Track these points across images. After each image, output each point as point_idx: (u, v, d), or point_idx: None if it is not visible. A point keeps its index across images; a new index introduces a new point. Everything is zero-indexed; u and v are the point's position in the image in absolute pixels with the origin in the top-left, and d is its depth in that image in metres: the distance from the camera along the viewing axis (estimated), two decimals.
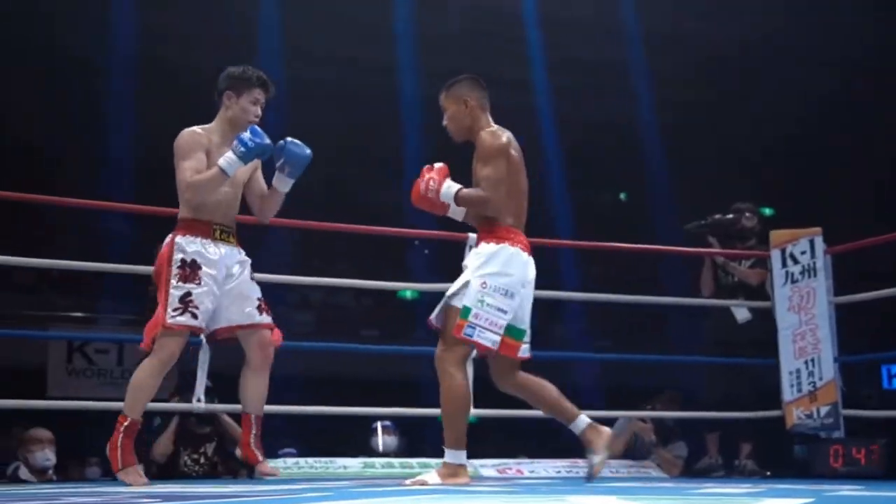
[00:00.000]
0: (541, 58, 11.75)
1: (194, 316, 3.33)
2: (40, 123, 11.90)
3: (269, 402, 3.80)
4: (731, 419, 5.11)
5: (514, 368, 3.35)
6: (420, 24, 10.87)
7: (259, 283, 3.68)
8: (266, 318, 3.55)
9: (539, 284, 3.43)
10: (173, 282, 3.34)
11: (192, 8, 10.52)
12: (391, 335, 11.65)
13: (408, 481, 3.14)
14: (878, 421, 5.43)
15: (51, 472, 5.02)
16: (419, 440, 6.53)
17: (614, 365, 10.74)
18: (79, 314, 11.63)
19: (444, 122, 3.51)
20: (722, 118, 12.70)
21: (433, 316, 3.35)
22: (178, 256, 3.37)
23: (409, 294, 11.24)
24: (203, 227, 3.44)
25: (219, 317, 3.49)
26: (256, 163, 3.59)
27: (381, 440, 5.97)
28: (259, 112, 3.52)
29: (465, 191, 3.29)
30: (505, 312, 3.19)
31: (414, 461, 4.61)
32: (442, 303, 3.31)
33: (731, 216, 5.31)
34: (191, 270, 3.35)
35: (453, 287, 3.28)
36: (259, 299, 3.55)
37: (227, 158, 3.32)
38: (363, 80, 11.52)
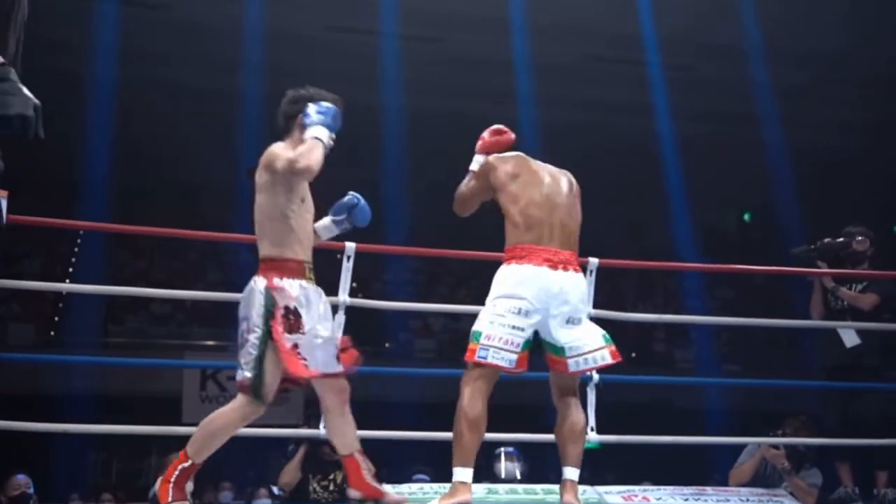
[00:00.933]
0: (662, 78, 11.69)
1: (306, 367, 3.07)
2: (181, 162, 12.55)
3: (395, 427, 3.82)
4: (864, 446, 4.93)
5: (564, 389, 3.32)
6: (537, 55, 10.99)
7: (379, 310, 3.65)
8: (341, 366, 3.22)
9: (663, 308, 3.38)
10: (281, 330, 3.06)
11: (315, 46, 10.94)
12: None
13: None
14: None
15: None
16: (543, 466, 6.50)
17: (744, 389, 10.48)
18: (211, 342, 12.04)
19: None
20: (861, 139, 12.42)
21: None
22: (281, 303, 3.09)
23: None
24: (296, 267, 3.17)
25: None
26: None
27: (504, 466, 5.94)
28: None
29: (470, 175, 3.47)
30: (522, 330, 3.15)
31: (538, 487, 4.58)
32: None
33: (841, 240, 5.12)
34: (294, 319, 3.08)
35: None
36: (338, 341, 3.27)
37: (328, 228, 3.40)
38: (480, 108, 11.72)
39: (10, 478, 5.58)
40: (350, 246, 3.99)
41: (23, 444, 5.81)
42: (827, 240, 5.16)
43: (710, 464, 7.00)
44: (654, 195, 12.66)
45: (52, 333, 11.68)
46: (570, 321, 3.22)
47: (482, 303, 3.31)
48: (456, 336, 12.75)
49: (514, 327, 3.14)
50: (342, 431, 3.25)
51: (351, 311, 4.00)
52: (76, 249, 12.73)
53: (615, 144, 12.38)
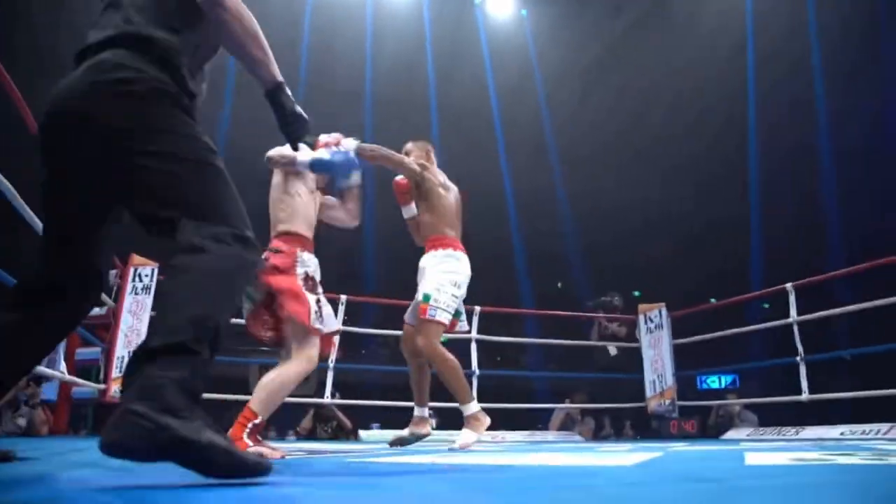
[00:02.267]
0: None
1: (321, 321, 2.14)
2: None
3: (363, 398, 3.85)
4: (616, 408, 5.27)
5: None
6: None
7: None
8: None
9: (513, 334, 3.29)
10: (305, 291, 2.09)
11: None
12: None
13: (456, 444, 2.51)
14: (696, 407, 5.43)
15: None
16: (449, 419, 6.52)
17: (558, 378, 10.50)
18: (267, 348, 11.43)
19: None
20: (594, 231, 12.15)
21: (407, 316, 2.70)
22: (300, 270, 2.12)
23: None
24: (306, 241, 2.19)
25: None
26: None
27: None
28: None
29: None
30: (456, 298, 2.60)
31: (444, 433, 4.47)
32: (413, 303, 2.68)
33: (605, 298, 5.67)
34: (312, 283, 2.16)
35: (419, 288, 2.64)
36: None
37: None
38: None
39: None
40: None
41: None
42: (600, 299, 5.71)
43: (537, 418, 7.21)
44: (508, 277, 12.29)
45: None
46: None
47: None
48: None
49: (452, 295, 2.59)
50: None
51: None
52: None
53: None
